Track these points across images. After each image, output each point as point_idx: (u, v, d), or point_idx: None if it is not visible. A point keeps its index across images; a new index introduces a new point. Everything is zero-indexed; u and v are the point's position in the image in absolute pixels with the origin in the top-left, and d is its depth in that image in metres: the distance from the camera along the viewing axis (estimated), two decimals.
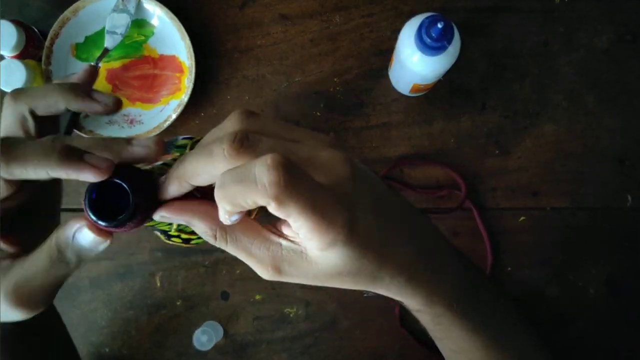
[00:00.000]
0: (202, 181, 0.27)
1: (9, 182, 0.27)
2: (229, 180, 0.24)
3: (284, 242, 0.28)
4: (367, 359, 0.65)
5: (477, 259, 0.64)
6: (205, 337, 0.62)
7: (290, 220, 0.25)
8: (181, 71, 0.64)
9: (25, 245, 0.30)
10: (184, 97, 0.63)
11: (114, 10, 0.63)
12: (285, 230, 0.28)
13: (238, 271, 0.65)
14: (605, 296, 0.64)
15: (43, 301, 0.28)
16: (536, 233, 0.64)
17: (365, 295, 0.64)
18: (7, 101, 0.30)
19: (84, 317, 0.65)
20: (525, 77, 0.65)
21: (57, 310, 0.45)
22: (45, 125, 0.31)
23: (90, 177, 0.26)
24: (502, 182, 0.65)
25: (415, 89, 0.61)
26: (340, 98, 0.65)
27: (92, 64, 0.63)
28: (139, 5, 0.63)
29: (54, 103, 0.31)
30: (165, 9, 0.62)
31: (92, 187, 0.26)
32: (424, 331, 0.38)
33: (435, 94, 0.65)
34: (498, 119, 0.65)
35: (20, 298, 0.27)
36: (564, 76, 0.65)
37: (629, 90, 0.65)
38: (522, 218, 0.64)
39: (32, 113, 0.30)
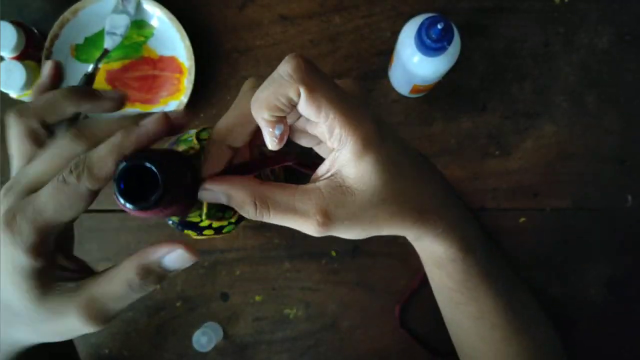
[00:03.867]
0: (237, 138, 0.27)
1: (93, 192, 0.27)
2: (260, 90, 0.26)
3: (322, 183, 0.27)
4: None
5: None
6: (205, 338, 0.61)
7: (321, 117, 0.25)
8: (181, 72, 0.64)
9: (82, 265, 0.30)
10: (183, 98, 0.62)
11: (114, 11, 0.62)
12: (320, 170, 0.28)
13: (238, 272, 0.65)
14: (606, 297, 0.64)
15: (112, 319, 0.28)
16: (537, 234, 0.64)
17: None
18: (12, 119, 0.29)
19: None
20: (525, 77, 0.65)
21: None
22: (53, 129, 0.31)
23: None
24: (502, 182, 0.64)
25: (416, 89, 0.61)
26: None
27: (55, 59, 0.62)
28: (138, 6, 0.63)
29: (64, 110, 0.30)
30: (165, 10, 0.62)
31: (121, 173, 0.26)
32: (424, 335, 0.38)
33: (436, 95, 0.65)
34: (498, 120, 0.65)
35: (94, 312, 0.27)
36: (564, 77, 0.65)
37: (629, 91, 0.65)
38: (522, 219, 0.64)
39: (43, 124, 0.29)
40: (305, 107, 0.25)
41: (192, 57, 0.62)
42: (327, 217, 0.27)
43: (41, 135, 0.29)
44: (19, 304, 0.27)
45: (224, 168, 0.29)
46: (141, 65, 0.65)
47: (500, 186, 0.64)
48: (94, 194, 0.26)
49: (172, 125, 0.28)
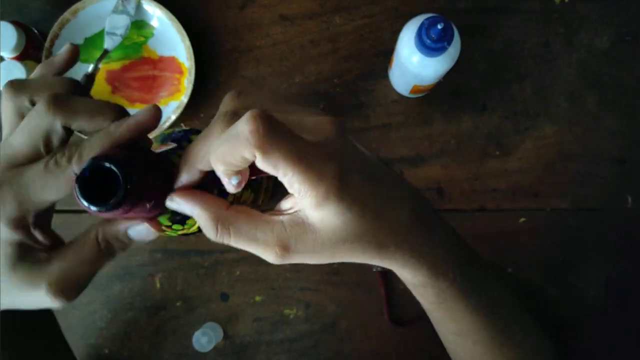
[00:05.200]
0: (207, 164, 0.28)
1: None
2: (218, 143, 0.26)
3: (285, 218, 0.28)
4: None
5: None
6: (205, 338, 0.61)
7: (280, 175, 0.26)
8: (181, 72, 0.64)
9: (55, 239, 0.31)
10: (183, 98, 0.62)
11: (114, 12, 0.62)
12: (283, 204, 0.29)
13: (238, 272, 0.65)
14: (606, 297, 0.64)
15: (80, 291, 0.29)
16: (536, 234, 0.64)
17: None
18: (7, 93, 0.30)
19: (83, 319, 0.65)
20: (525, 78, 0.65)
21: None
22: None
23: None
24: (502, 183, 0.64)
25: (416, 90, 0.61)
26: (340, 99, 0.65)
27: (75, 43, 0.62)
28: (138, 7, 0.63)
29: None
30: (165, 10, 0.62)
31: (82, 173, 0.26)
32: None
33: (436, 95, 0.65)
34: (498, 120, 0.65)
35: (61, 288, 0.28)
36: (564, 77, 0.65)
37: (629, 91, 0.65)
38: (522, 219, 0.64)
39: (32, 102, 0.30)
40: (261, 165, 0.26)
41: (192, 57, 0.62)
42: (286, 250, 0.28)
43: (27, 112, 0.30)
44: None
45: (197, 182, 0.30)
46: (141, 65, 0.65)
47: (500, 186, 0.64)
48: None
49: (159, 117, 0.29)
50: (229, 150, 0.26)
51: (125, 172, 0.25)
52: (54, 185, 0.27)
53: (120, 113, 0.29)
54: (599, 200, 0.64)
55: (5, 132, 0.30)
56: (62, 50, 0.34)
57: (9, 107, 0.30)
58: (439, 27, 0.50)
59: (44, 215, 0.30)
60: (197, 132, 0.37)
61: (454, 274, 0.34)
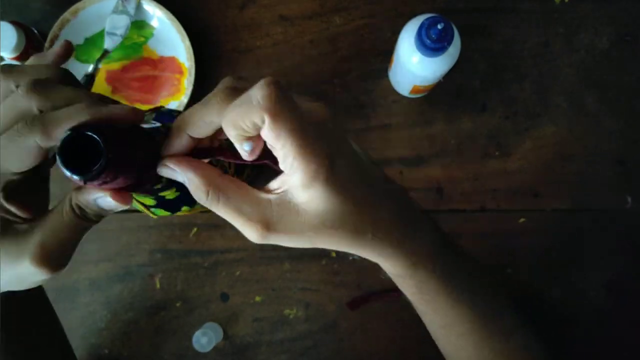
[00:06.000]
0: (198, 131, 0.29)
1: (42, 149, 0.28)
2: (232, 106, 0.27)
3: (272, 196, 0.29)
4: None
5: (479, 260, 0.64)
6: (205, 338, 0.61)
7: (278, 145, 0.27)
8: (181, 72, 0.64)
9: (36, 210, 0.31)
10: (183, 98, 0.62)
11: (114, 12, 0.62)
12: (272, 184, 0.30)
13: (238, 272, 0.65)
14: (605, 297, 0.64)
15: (65, 260, 0.29)
16: (536, 234, 0.64)
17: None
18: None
19: (83, 319, 0.65)
20: (525, 78, 0.65)
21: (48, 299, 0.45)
22: None
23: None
24: (502, 183, 0.64)
25: (416, 90, 0.61)
26: (340, 99, 0.65)
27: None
28: (138, 7, 0.63)
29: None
30: (165, 10, 0.62)
31: (64, 142, 0.26)
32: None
33: (436, 95, 0.65)
34: (498, 120, 0.65)
35: (45, 258, 0.28)
36: (564, 77, 0.65)
37: (629, 92, 0.65)
38: (522, 219, 0.64)
39: (17, 86, 0.30)
40: (266, 133, 0.27)
41: (192, 57, 0.62)
42: (267, 229, 0.29)
43: None
44: None
45: (185, 151, 0.30)
46: (141, 65, 0.65)
47: (500, 187, 0.64)
48: (42, 152, 0.27)
49: (138, 119, 0.29)
50: (241, 113, 0.26)
51: (107, 141, 0.25)
52: (16, 154, 0.27)
53: (99, 101, 0.29)
54: (599, 200, 0.64)
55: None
56: (56, 45, 0.35)
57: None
58: (439, 27, 0.50)
59: (19, 187, 0.30)
60: (177, 112, 0.38)
61: (434, 265, 0.35)
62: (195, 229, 0.64)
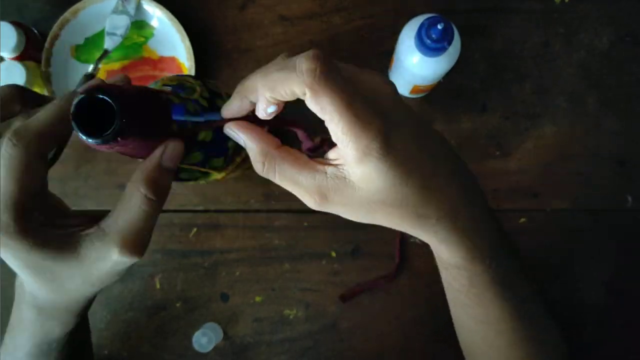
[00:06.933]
0: (256, 97, 0.29)
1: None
2: (273, 69, 0.27)
3: (329, 169, 0.29)
4: None
5: None
6: (205, 338, 0.61)
7: (326, 118, 0.26)
8: (181, 72, 0.64)
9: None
10: None
11: (114, 12, 0.62)
12: (330, 154, 0.30)
13: (238, 273, 0.65)
14: (606, 298, 0.64)
15: (147, 243, 0.31)
16: (537, 234, 0.64)
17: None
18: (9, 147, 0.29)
19: None
20: (525, 78, 0.65)
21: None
22: None
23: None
24: (502, 183, 0.64)
25: (416, 90, 0.61)
26: None
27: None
28: (138, 7, 0.63)
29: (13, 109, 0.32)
30: (165, 10, 0.62)
31: (77, 106, 0.26)
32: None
33: (436, 96, 0.65)
34: (498, 121, 0.65)
35: (132, 243, 0.29)
36: (564, 77, 0.65)
37: (629, 92, 0.65)
38: (522, 219, 0.64)
39: None
40: (310, 105, 0.26)
41: (193, 57, 0.62)
42: (325, 200, 0.29)
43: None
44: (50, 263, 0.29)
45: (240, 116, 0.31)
46: (141, 65, 0.65)
47: (500, 187, 0.64)
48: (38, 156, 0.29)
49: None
50: (282, 79, 0.26)
51: (119, 102, 0.26)
52: (17, 171, 0.28)
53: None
54: (599, 200, 0.64)
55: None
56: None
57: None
58: (439, 27, 0.50)
59: (46, 201, 0.31)
60: (191, 76, 0.40)
61: (490, 259, 0.33)
62: (195, 230, 0.64)
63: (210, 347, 0.62)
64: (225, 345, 0.64)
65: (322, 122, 0.27)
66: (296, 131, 0.32)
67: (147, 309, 0.65)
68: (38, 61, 0.63)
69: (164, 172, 0.30)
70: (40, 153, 0.29)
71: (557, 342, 0.43)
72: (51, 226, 0.30)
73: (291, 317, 0.65)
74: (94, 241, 0.29)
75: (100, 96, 0.26)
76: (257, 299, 0.65)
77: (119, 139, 0.26)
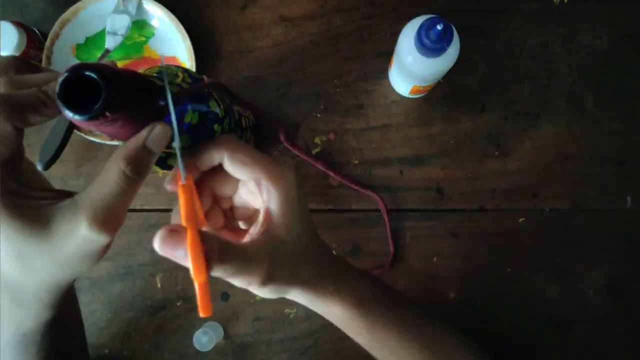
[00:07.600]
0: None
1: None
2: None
3: (260, 237, 0.36)
4: None
5: (478, 260, 0.64)
6: (205, 338, 0.62)
7: (248, 173, 0.34)
8: None
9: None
10: None
11: (115, 12, 0.63)
12: (253, 229, 0.37)
13: None
14: (605, 298, 0.64)
15: (120, 222, 0.30)
16: (535, 234, 0.64)
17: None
18: None
19: (84, 319, 0.64)
20: (524, 78, 0.65)
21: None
22: None
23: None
24: (501, 183, 0.65)
25: (415, 90, 0.61)
26: (340, 99, 0.65)
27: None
28: (139, 7, 0.63)
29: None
30: (166, 10, 0.63)
31: (63, 82, 0.26)
32: None
33: (435, 96, 0.65)
34: (498, 121, 0.65)
35: (102, 220, 0.29)
36: (563, 78, 0.65)
37: (628, 92, 0.65)
38: (521, 219, 0.65)
39: None
40: (231, 167, 0.33)
41: (193, 57, 0.62)
42: (269, 279, 0.35)
43: None
44: (21, 242, 0.28)
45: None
46: (142, 65, 0.65)
47: (500, 187, 0.65)
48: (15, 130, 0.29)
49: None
50: (204, 152, 0.34)
51: (105, 79, 0.26)
52: None
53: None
54: (598, 200, 0.64)
55: None
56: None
57: None
58: (439, 28, 0.50)
59: (30, 173, 0.32)
60: (173, 65, 0.40)
61: (380, 305, 0.42)
62: None
63: (210, 346, 0.62)
64: (225, 344, 0.65)
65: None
66: (277, 129, 0.37)
67: (147, 308, 0.65)
68: (39, 61, 0.63)
69: (146, 153, 0.30)
70: (13, 125, 0.29)
71: (459, 337, 0.48)
72: (24, 197, 0.29)
73: (291, 316, 0.65)
74: (64, 213, 0.29)
75: (86, 73, 0.26)
76: (258, 298, 0.65)
77: (107, 113, 0.26)
